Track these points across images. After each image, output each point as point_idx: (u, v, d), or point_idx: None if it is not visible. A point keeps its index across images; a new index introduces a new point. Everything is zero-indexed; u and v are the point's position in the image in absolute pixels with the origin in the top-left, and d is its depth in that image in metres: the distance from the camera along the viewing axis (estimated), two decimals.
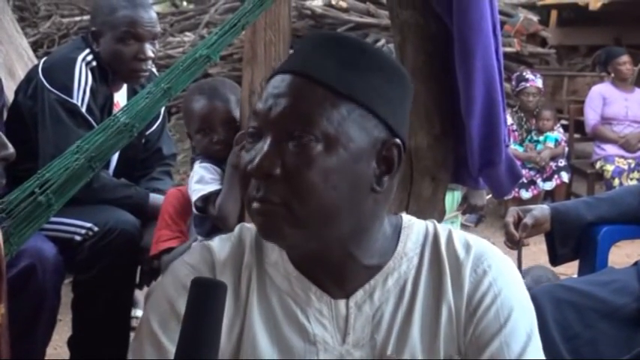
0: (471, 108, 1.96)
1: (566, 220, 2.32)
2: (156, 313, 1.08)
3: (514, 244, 2.28)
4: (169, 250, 2.29)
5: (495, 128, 2.01)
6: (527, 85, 5.90)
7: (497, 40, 1.98)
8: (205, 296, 0.86)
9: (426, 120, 2.05)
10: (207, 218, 2.15)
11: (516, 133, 5.96)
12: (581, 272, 2.41)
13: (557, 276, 3.18)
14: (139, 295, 2.89)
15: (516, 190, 5.63)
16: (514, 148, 5.78)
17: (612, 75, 6.17)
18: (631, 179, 5.73)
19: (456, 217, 3.55)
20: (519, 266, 2.25)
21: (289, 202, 0.99)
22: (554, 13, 8.53)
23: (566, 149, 6.03)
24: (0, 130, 1.14)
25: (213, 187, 2.12)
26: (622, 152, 5.92)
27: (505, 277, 1.10)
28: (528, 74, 6.02)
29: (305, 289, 1.09)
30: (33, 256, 2.20)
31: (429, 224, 1.15)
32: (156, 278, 2.32)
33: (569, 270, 2.92)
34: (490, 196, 3.64)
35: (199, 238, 2.17)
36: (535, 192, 5.85)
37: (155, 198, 2.64)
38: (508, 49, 6.72)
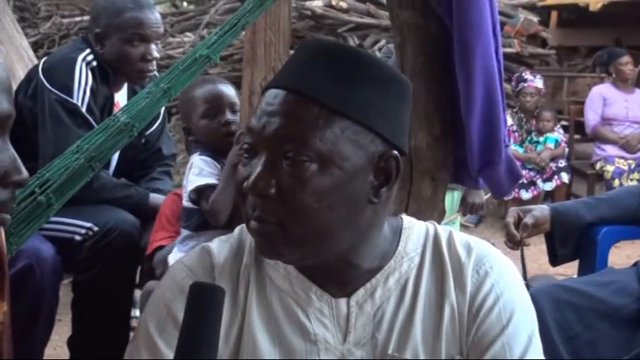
0: (470, 108, 1.95)
1: (566, 221, 2.32)
2: (153, 315, 1.08)
3: (515, 244, 2.28)
4: (162, 248, 2.29)
5: (495, 129, 2.01)
6: (526, 85, 5.93)
7: (497, 41, 1.98)
8: (204, 301, 0.87)
9: (425, 120, 2.05)
10: (196, 212, 2.14)
11: (516, 134, 5.97)
12: (580, 273, 2.41)
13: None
14: (139, 295, 2.89)
15: (516, 190, 5.64)
16: (514, 148, 5.79)
17: (613, 75, 6.17)
18: (631, 180, 5.73)
19: (456, 217, 3.56)
20: (523, 266, 2.26)
21: (284, 222, 1.00)
22: (554, 14, 8.52)
23: (567, 150, 6.04)
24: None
25: (210, 180, 2.12)
26: (622, 153, 5.92)
27: (506, 279, 1.10)
28: (527, 75, 6.04)
29: (305, 288, 1.09)
30: (31, 257, 2.20)
31: (430, 225, 1.15)
32: (152, 277, 2.32)
33: (569, 270, 2.92)
34: (489, 195, 3.64)
35: (185, 232, 2.17)
36: (535, 192, 5.86)
37: (155, 198, 2.64)
38: (508, 50, 6.72)
